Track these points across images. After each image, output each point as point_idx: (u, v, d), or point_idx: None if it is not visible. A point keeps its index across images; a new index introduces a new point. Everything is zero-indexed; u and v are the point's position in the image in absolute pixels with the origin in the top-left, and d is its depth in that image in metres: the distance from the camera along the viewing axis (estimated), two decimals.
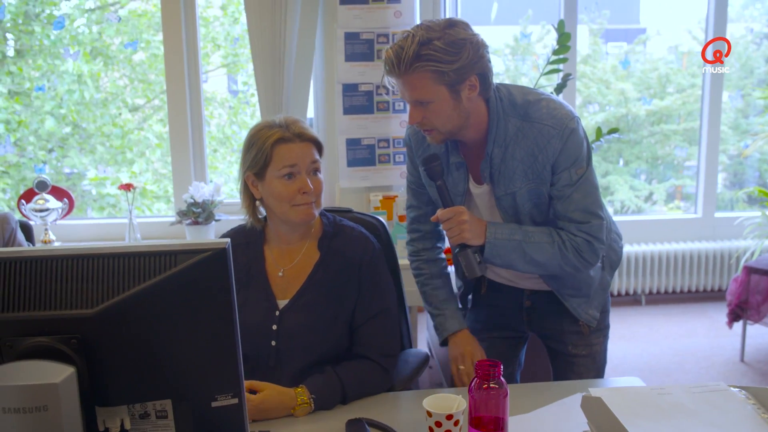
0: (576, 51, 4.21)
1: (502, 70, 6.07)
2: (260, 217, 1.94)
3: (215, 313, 1.14)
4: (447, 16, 3.67)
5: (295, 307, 1.84)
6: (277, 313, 1.84)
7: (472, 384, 1.41)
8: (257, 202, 1.89)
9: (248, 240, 1.94)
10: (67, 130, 5.16)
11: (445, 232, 1.92)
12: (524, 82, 3.06)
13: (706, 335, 4.31)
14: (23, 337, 1.10)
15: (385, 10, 3.19)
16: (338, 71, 3.27)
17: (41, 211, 3.18)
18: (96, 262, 1.11)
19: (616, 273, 4.62)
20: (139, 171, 5.30)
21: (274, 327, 1.83)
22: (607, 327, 2.14)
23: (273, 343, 1.83)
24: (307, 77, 3.27)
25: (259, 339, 1.84)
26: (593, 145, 3.21)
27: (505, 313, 2.16)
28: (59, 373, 1.05)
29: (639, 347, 4.14)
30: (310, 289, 1.86)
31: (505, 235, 1.86)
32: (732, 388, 1.43)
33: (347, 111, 3.29)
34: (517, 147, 1.84)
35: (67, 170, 5.26)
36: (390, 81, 1.81)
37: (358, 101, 3.22)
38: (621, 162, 6.27)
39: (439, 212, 1.88)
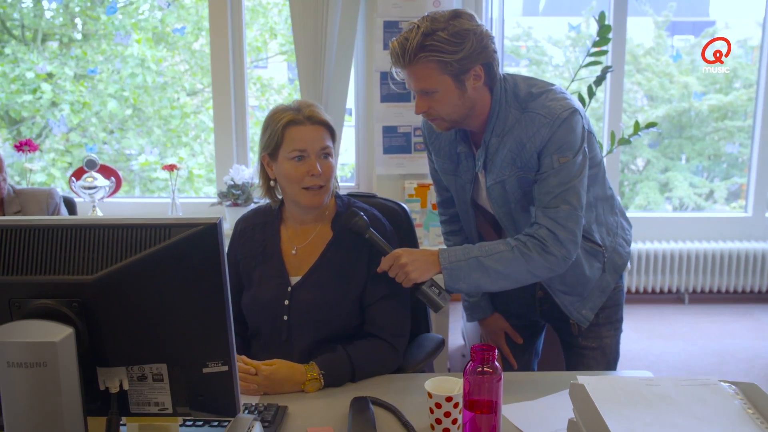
0: (625, 43, 4.14)
1: (562, 61, 6.01)
2: (278, 197, 2.01)
3: (206, 284, 1.21)
4: (491, 7, 3.68)
5: (307, 283, 1.92)
6: (289, 289, 1.92)
7: (467, 367, 1.45)
8: (272, 183, 1.96)
9: (266, 219, 2.03)
10: (128, 112, 5.36)
11: None
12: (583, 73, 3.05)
13: (749, 337, 4.21)
14: (30, 299, 1.19)
15: None
16: (376, 59, 3.32)
17: (89, 188, 3.34)
18: (97, 232, 1.19)
19: (659, 270, 4.56)
20: (192, 154, 5.47)
21: (286, 302, 1.91)
22: (619, 321, 2.14)
23: (285, 317, 1.91)
24: (348, 65, 3.32)
25: (273, 313, 1.93)
26: (631, 139, 3.18)
27: (519, 302, 2.19)
28: (59, 333, 1.14)
29: (678, 346, 4.07)
30: (322, 267, 1.93)
31: (459, 256, 1.83)
32: (722, 383, 1.42)
33: (384, 99, 3.34)
34: (511, 137, 1.86)
35: (127, 151, 5.48)
36: (397, 72, 1.86)
37: (395, 89, 3.26)
38: (683, 159, 6.14)
39: (381, 264, 1.87)
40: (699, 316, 4.52)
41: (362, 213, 1.90)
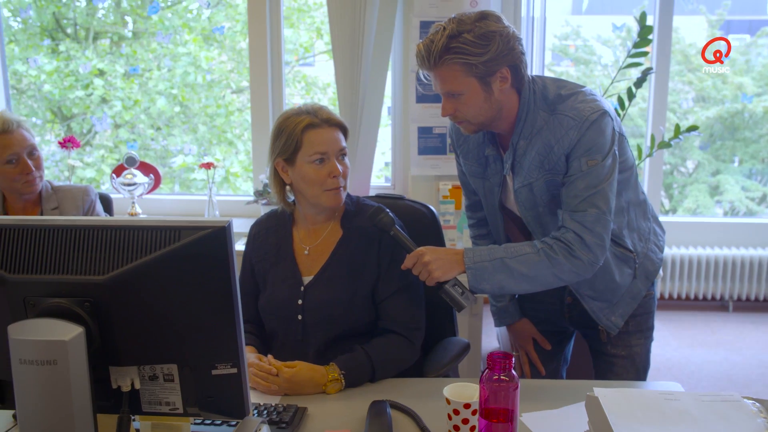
0: (670, 44, 4.04)
1: (611, 61, 5.91)
2: (289, 201, 2.03)
3: (215, 286, 1.22)
4: (532, 6, 3.63)
5: (319, 282, 1.94)
6: (302, 288, 1.94)
7: (484, 375, 1.43)
8: (287, 187, 1.98)
9: (278, 222, 2.05)
10: (177, 109, 5.46)
11: None
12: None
13: None
14: (44, 297, 1.21)
15: None
16: (412, 60, 3.30)
17: (129, 185, 3.40)
18: (109, 233, 1.22)
19: (702, 276, 4.44)
20: (235, 152, 5.54)
21: (300, 302, 1.93)
22: (649, 329, 2.09)
23: (299, 317, 1.93)
24: (385, 65, 3.32)
25: (287, 314, 1.95)
26: (672, 142, 3.11)
27: (548, 308, 2.16)
28: (69, 332, 1.16)
29: (720, 355, 3.96)
30: (333, 265, 1.94)
31: (484, 256, 1.80)
32: (746, 400, 1.38)
33: (420, 99, 3.32)
34: (539, 139, 1.83)
35: (171, 148, 5.58)
36: (423, 74, 1.85)
37: (431, 89, 3.23)
38: (736, 161, 5.97)
39: (405, 262, 1.85)
40: (744, 325, 4.38)
41: (388, 210, 1.90)
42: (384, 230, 1.89)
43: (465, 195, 2.23)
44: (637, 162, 2.70)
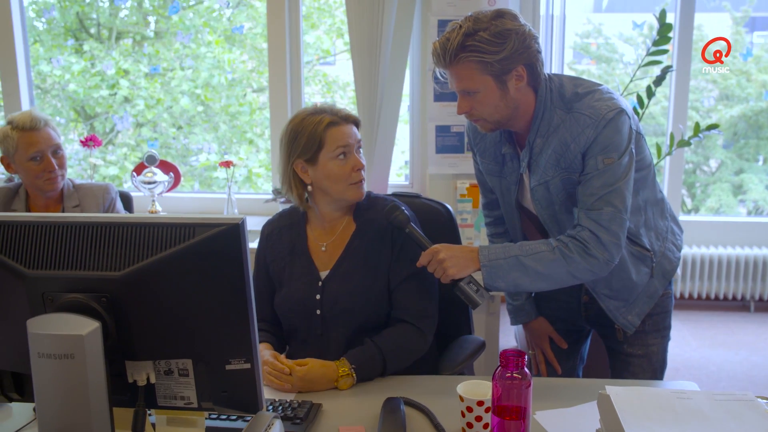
0: (692, 42, 4.00)
1: (633, 59, 5.86)
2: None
3: (229, 282, 1.23)
4: (551, 4, 3.62)
5: (336, 276, 1.95)
6: (320, 283, 1.96)
7: (496, 372, 1.44)
8: (308, 187, 1.98)
9: (292, 221, 2.07)
10: (200, 108, 5.51)
11: None
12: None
13: None
14: (62, 293, 1.24)
15: None
16: (429, 58, 3.29)
17: (149, 183, 3.44)
18: (125, 230, 1.24)
19: (723, 276, 4.39)
20: (256, 150, 5.58)
21: (318, 297, 1.95)
22: (666, 328, 2.08)
23: (318, 311, 1.95)
24: (403, 64, 3.32)
25: (306, 310, 1.96)
26: (692, 141, 3.08)
27: (564, 306, 2.15)
28: (86, 326, 1.18)
29: (740, 355, 3.92)
30: (348, 258, 1.96)
31: (499, 254, 1.81)
32: (761, 400, 1.37)
33: (438, 98, 3.32)
34: (556, 137, 1.83)
35: (193, 146, 5.63)
36: (439, 72, 1.85)
37: (448, 87, 3.23)
38: (760, 160, 5.90)
39: (420, 259, 1.87)
40: (765, 326, 4.34)
41: (404, 207, 1.91)
42: (400, 228, 1.90)
43: (482, 193, 2.23)
44: (656, 161, 2.68)
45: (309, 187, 1.97)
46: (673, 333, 2.13)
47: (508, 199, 2.04)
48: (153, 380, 1.31)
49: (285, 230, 2.06)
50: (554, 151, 1.84)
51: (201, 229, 1.22)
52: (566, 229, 1.88)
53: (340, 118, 1.91)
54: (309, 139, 1.90)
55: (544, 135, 1.85)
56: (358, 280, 1.94)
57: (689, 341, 4.08)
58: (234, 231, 1.22)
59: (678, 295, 4.37)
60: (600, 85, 1.87)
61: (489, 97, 1.80)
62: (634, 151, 1.82)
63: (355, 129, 1.95)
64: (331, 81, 5.89)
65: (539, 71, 1.82)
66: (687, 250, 4.37)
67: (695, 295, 4.50)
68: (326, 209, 2.00)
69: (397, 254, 1.95)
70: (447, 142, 3.36)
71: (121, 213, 2.66)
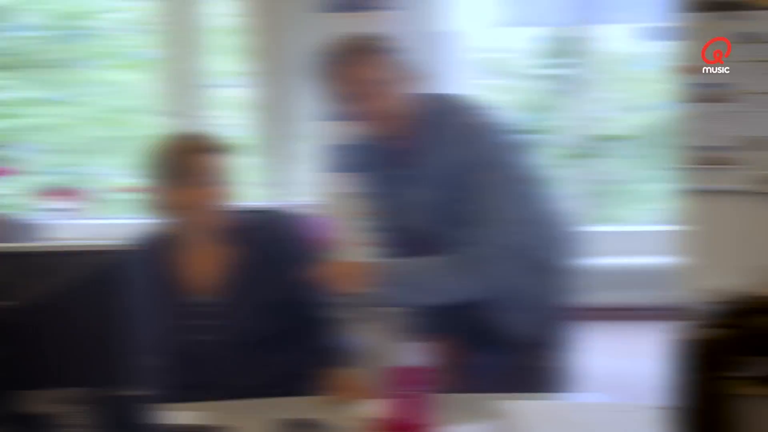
0: (591, 54, 4.12)
1: (534, 72, 5.99)
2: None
3: (118, 308, 1.23)
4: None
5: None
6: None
7: (390, 389, 1.46)
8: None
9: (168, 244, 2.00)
10: (103, 134, 5.40)
11: None
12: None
13: None
14: None
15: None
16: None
17: (52, 210, 3.37)
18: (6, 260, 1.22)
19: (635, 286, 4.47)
20: None
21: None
22: (568, 340, 2.09)
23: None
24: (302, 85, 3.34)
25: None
26: (592, 151, 3.17)
27: (458, 320, 2.06)
28: None
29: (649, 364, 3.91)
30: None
31: (390, 270, 1.83)
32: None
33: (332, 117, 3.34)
34: (437, 154, 1.87)
35: (96, 173, 5.49)
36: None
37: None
38: (662, 169, 6.09)
39: (307, 274, 1.85)
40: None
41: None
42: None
43: (368, 211, 2.18)
44: (556, 171, 2.75)
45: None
46: (576, 344, 2.11)
47: (394, 216, 2.04)
48: (49, 410, 1.27)
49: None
50: (436, 168, 1.86)
51: (86, 256, 1.22)
52: (452, 246, 1.87)
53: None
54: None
55: (425, 152, 1.88)
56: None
57: (602, 352, 4.03)
58: (119, 256, 1.21)
59: (585, 305, 4.26)
60: (479, 100, 1.95)
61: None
62: (516, 165, 1.88)
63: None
64: (233, 104, 5.85)
65: (421, 89, 1.88)
66: (596, 260, 4.36)
67: (604, 305, 4.54)
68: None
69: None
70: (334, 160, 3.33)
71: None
